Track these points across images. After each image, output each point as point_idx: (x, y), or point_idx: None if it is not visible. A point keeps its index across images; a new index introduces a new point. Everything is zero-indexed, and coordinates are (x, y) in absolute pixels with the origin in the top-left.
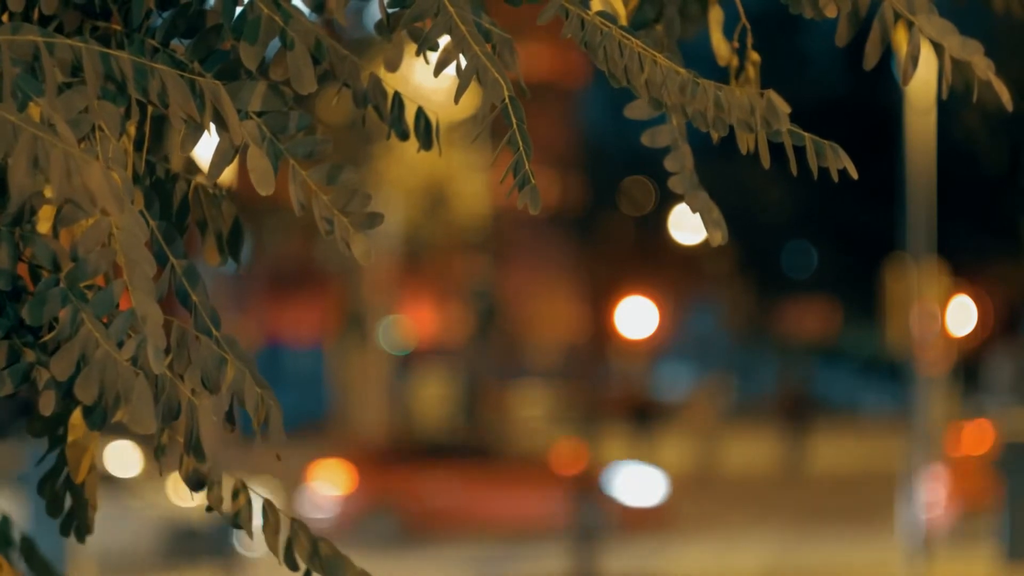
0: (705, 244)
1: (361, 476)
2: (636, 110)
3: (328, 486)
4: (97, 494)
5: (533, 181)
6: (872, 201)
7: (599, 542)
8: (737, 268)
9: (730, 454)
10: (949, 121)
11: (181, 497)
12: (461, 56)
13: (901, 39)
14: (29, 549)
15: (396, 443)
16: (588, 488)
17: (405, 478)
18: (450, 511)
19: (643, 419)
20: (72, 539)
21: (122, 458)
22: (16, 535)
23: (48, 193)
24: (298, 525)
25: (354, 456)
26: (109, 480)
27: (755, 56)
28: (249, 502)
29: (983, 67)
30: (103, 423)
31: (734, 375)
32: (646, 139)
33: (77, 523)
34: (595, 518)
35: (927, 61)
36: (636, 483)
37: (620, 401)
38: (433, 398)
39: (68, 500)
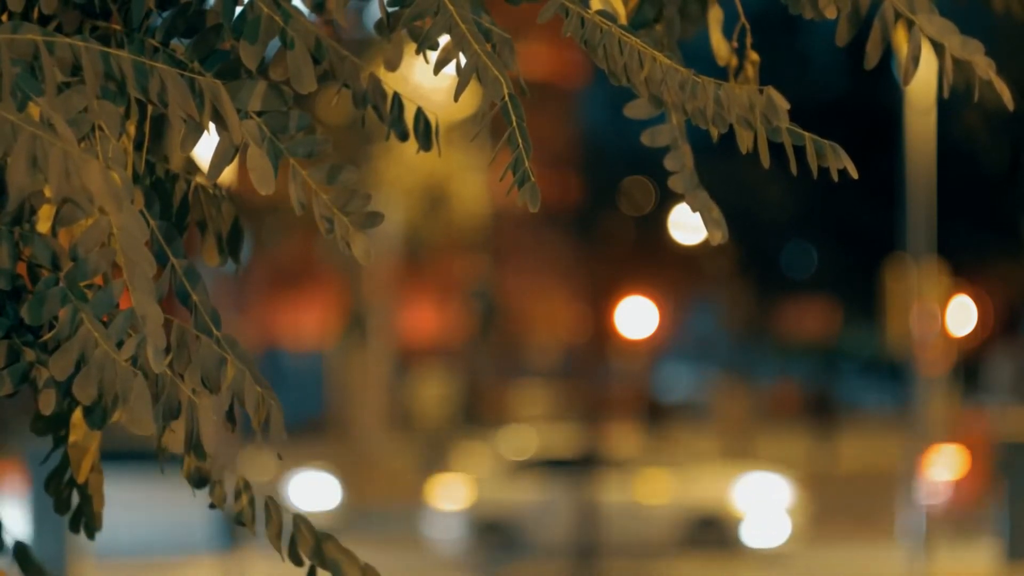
0: (705, 244)
1: (974, 462)
2: (636, 109)
3: (944, 472)
4: (102, 492)
5: (532, 179)
6: (872, 201)
7: None
8: (737, 268)
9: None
10: (949, 121)
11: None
12: (461, 55)
13: (901, 39)
14: (23, 553)
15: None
16: None
17: None
18: None
19: (654, 419)
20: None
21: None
22: (8, 540)
23: (48, 192)
24: (301, 521)
25: (969, 442)
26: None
27: (754, 56)
28: (252, 501)
29: (984, 67)
30: (103, 423)
31: (742, 375)
32: (646, 138)
33: (85, 520)
34: None
35: (927, 61)
36: None
37: (627, 401)
38: (433, 398)
39: (75, 498)
